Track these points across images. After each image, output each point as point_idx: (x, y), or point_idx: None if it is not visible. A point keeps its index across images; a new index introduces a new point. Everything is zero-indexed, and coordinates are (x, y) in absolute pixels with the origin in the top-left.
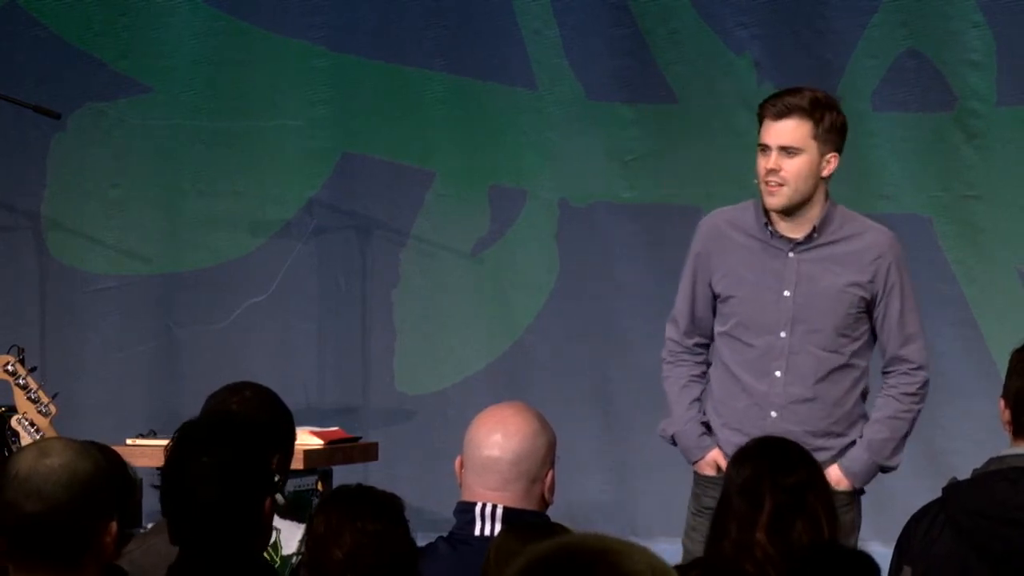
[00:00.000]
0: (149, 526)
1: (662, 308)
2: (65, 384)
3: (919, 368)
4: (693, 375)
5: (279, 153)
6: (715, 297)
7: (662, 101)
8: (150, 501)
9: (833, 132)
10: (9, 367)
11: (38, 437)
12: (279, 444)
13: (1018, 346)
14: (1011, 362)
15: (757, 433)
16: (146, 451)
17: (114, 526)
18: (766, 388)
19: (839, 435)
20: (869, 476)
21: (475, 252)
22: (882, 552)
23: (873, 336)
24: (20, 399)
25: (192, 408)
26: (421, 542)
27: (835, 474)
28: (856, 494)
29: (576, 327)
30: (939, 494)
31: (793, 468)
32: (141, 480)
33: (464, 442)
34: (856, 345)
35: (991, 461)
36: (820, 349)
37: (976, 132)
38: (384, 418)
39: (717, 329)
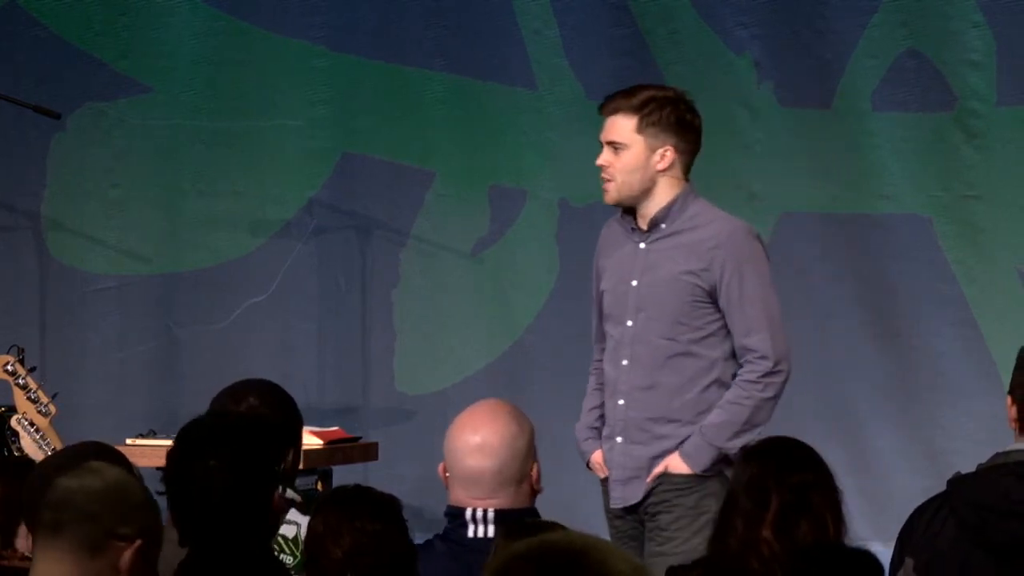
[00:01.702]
0: None
1: None
2: (65, 384)
3: (763, 357)
4: (600, 382)
5: (279, 153)
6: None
7: None
8: None
9: (664, 126)
10: (9, 367)
11: (38, 437)
12: (292, 440)
13: None
14: (1019, 359)
15: (612, 422)
16: (146, 451)
17: (140, 544)
18: (616, 376)
19: (686, 423)
20: (707, 459)
21: (475, 252)
22: (883, 552)
23: (728, 328)
24: (20, 399)
25: (192, 408)
26: (419, 542)
27: (674, 459)
28: (704, 478)
29: (576, 327)
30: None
31: (799, 468)
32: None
33: (444, 449)
34: (698, 335)
35: (996, 456)
36: (659, 337)
37: (976, 132)
38: (384, 418)
39: None
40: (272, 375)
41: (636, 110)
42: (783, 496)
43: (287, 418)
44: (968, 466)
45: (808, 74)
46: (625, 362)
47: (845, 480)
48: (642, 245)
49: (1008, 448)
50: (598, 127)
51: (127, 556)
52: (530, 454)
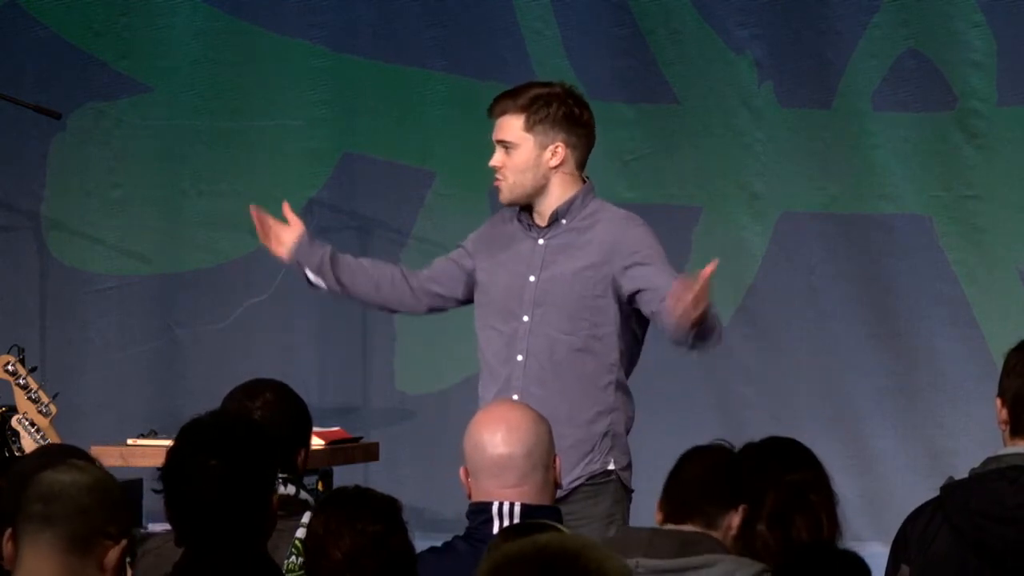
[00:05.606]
0: (149, 526)
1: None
2: (65, 384)
3: None
4: (393, 266)
5: (279, 153)
6: (474, 284)
7: (663, 101)
8: (150, 500)
9: (552, 122)
10: (9, 367)
11: (39, 437)
12: (303, 442)
13: (1014, 346)
14: (1008, 362)
15: None
16: (147, 451)
17: (125, 544)
18: (509, 372)
19: (586, 422)
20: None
21: None
22: (883, 552)
23: (627, 330)
24: (20, 399)
25: (193, 408)
26: (421, 543)
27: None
28: (606, 483)
29: None
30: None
31: (797, 467)
32: (141, 480)
33: (466, 450)
34: (598, 331)
35: (989, 460)
36: (558, 331)
37: (977, 132)
38: (384, 418)
39: (477, 323)
40: (272, 375)
41: (523, 109)
42: (780, 492)
43: (300, 418)
44: (969, 465)
45: (809, 74)
46: (520, 357)
47: (845, 480)
48: (541, 241)
49: (1000, 452)
50: (598, 127)
51: (112, 555)
52: (552, 443)
